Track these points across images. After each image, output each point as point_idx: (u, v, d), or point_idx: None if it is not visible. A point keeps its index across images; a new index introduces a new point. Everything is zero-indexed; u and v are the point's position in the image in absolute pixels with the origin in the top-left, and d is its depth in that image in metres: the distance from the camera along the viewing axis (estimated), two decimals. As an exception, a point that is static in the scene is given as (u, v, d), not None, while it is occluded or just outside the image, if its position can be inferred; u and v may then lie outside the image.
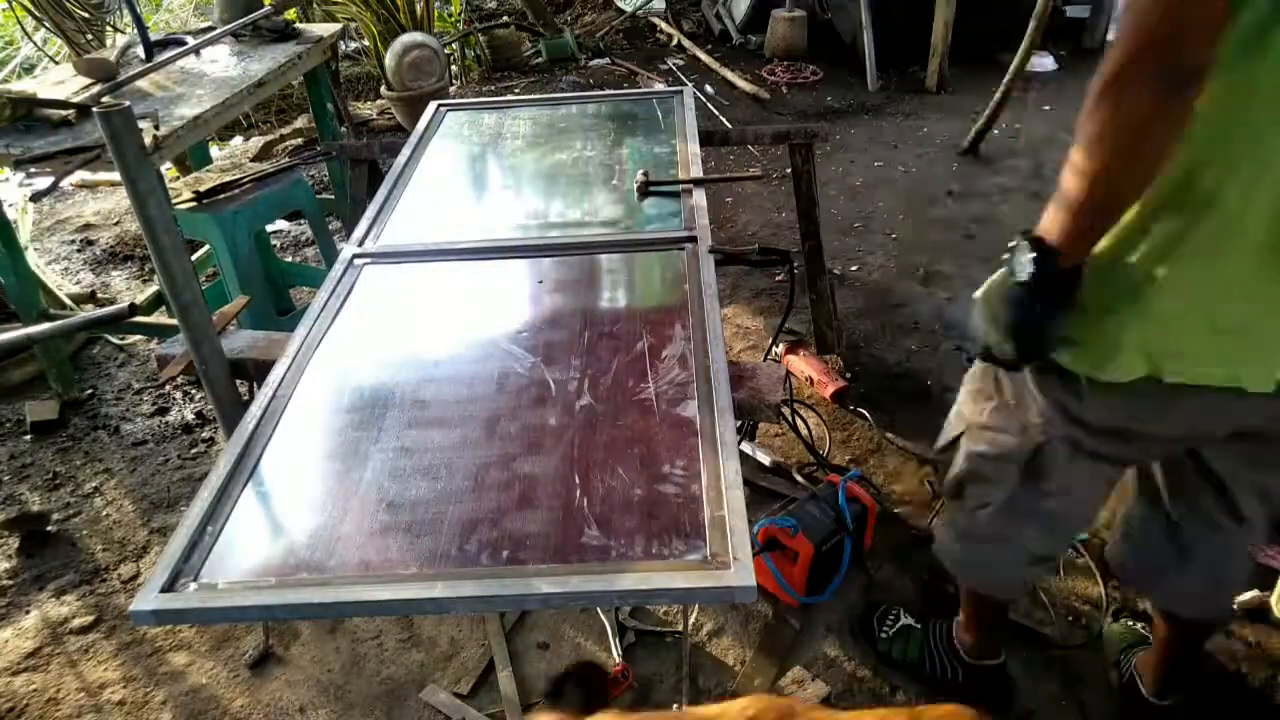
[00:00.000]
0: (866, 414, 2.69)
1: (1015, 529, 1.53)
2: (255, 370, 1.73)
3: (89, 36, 4.29)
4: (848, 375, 2.85)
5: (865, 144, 4.79)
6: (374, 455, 1.36)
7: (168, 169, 4.23)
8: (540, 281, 1.85)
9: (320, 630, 2.13)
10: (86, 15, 4.29)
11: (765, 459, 2.54)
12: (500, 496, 1.26)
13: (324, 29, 3.78)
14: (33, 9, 4.17)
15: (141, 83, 3.10)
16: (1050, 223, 1.13)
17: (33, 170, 2.72)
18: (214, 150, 4.91)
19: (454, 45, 6.07)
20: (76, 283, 3.87)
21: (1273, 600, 1.99)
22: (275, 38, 3.56)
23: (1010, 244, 1.21)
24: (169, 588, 1.13)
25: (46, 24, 4.27)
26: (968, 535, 1.62)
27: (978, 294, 1.32)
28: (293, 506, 1.30)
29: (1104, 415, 1.30)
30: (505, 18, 6.46)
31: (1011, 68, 4.27)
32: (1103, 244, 1.16)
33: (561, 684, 1.18)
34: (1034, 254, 1.14)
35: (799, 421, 2.57)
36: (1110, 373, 1.21)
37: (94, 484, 2.69)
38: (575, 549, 1.16)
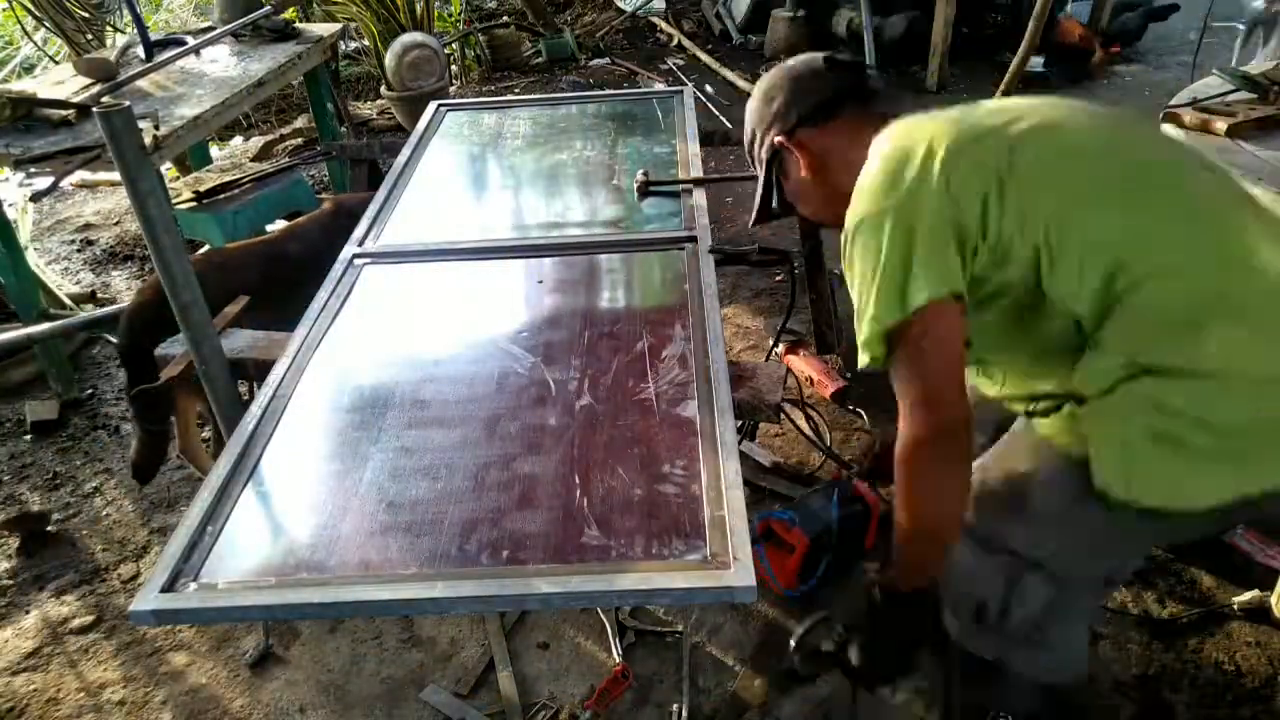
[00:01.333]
0: (862, 412, 2.69)
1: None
2: (255, 370, 1.73)
3: (89, 36, 4.30)
4: (847, 375, 2.85)
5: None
6: (374, 455, 1.36)
7: (168, 169, 4.23)
8: (540, 281, 1.85)
9: (320, 630, 2.13)
10: (86, 15, 4.29)
11: (765, 459, 2.54)
12: (500, 496, 1.26)
13: (324, 29, 3.78)
14: (33, 9, 4.17)
15: (141, 83, 3.10)
16: (899, 575, 1.29)
17: (33, 170, 2.72)
18: (214, 150, 4.90)
19: (454, 45, 6.07)
20: (76, 283, 3.87)
21: (1273, 600, 1.99)
22: (275, 38, 3.56)
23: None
24: (169, 588, 1.13)
25: (46, 24, 4.27)
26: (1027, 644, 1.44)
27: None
28: (293, 506, 1.30)
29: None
30: (505, 18, 6.46)
31: (1011, 67, 4.27)
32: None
33: None
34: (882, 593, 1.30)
35: (803, 421, 2.57)
36: (1192, 501, 1.14)
37: (94, 484, 2.69)
38: (575, 549, 1.16)
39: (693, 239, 1.90)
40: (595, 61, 6.09)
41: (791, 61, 1.47)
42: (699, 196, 2.08)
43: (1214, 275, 1.14)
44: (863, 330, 1.20)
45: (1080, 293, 1.15)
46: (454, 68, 6.03)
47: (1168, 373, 1.12)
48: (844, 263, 1.25)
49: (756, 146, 1.48)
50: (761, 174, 1.49)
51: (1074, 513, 1.25)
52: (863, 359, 1.22)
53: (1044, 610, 1.38)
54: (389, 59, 5.04)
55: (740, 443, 2.33)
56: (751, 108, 1.49)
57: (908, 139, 1.24)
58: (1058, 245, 1.14)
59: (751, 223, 1.59)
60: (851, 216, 1.23)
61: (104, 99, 2.82)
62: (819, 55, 1.46)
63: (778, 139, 1.42)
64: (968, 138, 1.21)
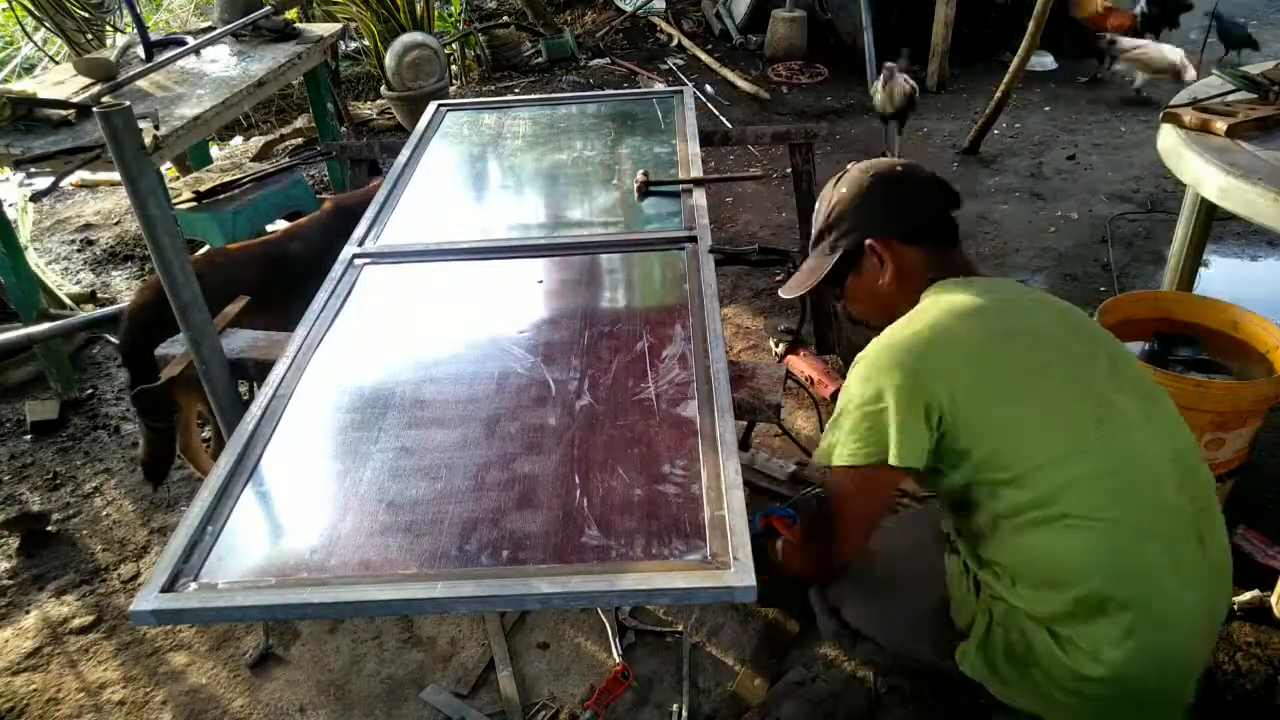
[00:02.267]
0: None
1: None
2: (255, 370, 1.73)
3: (89, 36, 4.29)
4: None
5: (865, 144, 4.79)
6: (374, 455, 1.36)
7: (168, 169, 4.23)
8: (540, 281, 1.85)
9: (320, 630, 2.13)
10: (86, 15, 4.28)
11: (780, 472, 2.47)
12: (500, 496, 1.26)
13: (324, 29, 3.78)
14: (33, 9, 4.16)
15: (141, 83, 3.10)
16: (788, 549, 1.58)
17: (33, 170, 2.72)
18: (214, 150, 4.90)
19: (454, 45, 6.07)
20: (76, 283, 3.87)
21: (1273, 600, 1.99)
22: (275, 38, 3.56)
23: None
24: (169, 588, 1.13)
25: (46, 24, 4.26)
26: None
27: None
28: (293, 506, 1.30)
29: None
30: (505, 18, 6.46)
31: (1011, 67, 4.27)
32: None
33: None
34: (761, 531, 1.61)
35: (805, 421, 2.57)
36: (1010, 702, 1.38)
37: (94, 484, 2.69)
38: (575, 549, 1.16)
39: (693, 239, 1.90)
40: (595, 61, 6.09)
41: (895, 167, 1.49)
42: (699, 196, 2.08)
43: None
44: (827, 439, 1.37)
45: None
46: (454, 68, 6.03)
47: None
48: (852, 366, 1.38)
49: (831, 234, 1.49)
50: (832, 260, 1.49)
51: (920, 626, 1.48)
52: (819, 457, 1.40)
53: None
54: (389, 59, 5.04)
55: (744, 449, 2.33)
56: (842, 195, 1.48)
57: (949, 317, 1.35)
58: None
59: (784, 293, 1.60)
60: (877, 345, 1.35)
61: (104, 99, 2.82)
62: (928, 173, 1.49)
63: (869, 240, 1.44)
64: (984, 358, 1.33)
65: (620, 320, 1.68)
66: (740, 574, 1.08)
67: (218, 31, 3.51)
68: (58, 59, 4.86)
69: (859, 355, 1.37)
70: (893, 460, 1.28)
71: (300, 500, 1.30)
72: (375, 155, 3.07)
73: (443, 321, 1.76)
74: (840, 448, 1.32)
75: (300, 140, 4.99)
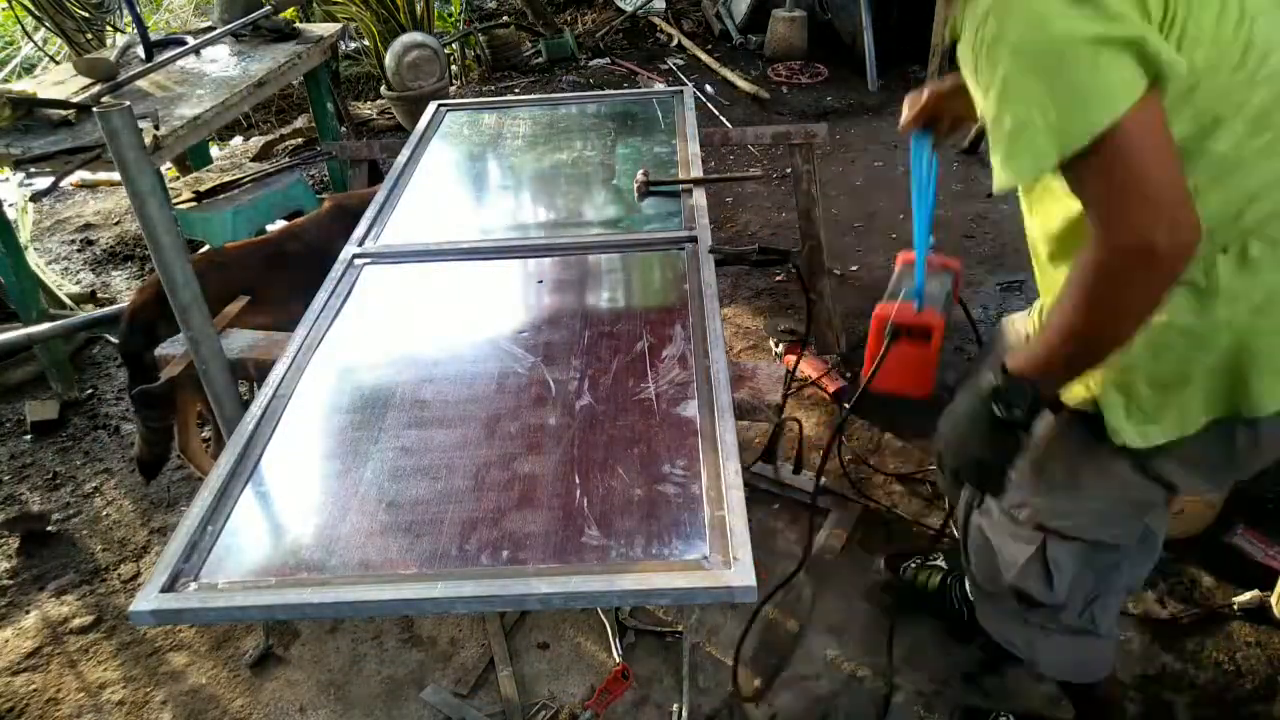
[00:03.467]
0: (844, 405, 2.72)
1: (1118, 598, 1.51)
2: (255, 370, 1.73)
3: (89, 36, 4.29)
4: (847, 375, 2.85)
5: (865, 144, 4.79)
6: (374, 455, 1.36)
7: (168, 169, 4.23)
8: (540, 281, 1.85)
9: (320, 630, 2.13)
10: (86, 15, 4.28)
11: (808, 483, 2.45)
12: (500, 496, 1.26)
13: (324, 29, 3.78)
14: (33, 9, 4.16)
15: (141, 83, 3.10)
16: (1034, 364, 1.13)
17: (33, 170, 2.73)
18: (214, 150, 4.90)
19: (454, 45, 6.07)
20: (76, 283, 3.87)
21: (1273, 600, 1.99)
22: (275, 38, 3.57)
23: (988, 379, 1.17)
24: (169, 588, 1.13)
25: (46, 24, 4.26)
26: (1079, 631, 1.49)
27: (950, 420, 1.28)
28: (293, 506, 1.30)
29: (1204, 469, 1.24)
30: (505, 18, 6.46)
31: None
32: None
33: None
34: (1028, 393, 1.14)
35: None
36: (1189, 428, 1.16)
37: (94, 484, 2.69)
38: (575, 549, 1.16)
39: (693, 239, 1.90)
40: (595, 61, 6.09)
41: None
42: (699, 196, 2.08)
43: None
44: (1038, 133, 0.96)
45: None
46: (454, 68, 6.03)
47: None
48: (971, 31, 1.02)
49: None
50: None
51: (1082, 469, 1.28)
52: (1024, 168, 1.00)
53: (1087, 588, 1.43)
54: (389, 59, 5.04)
55: (769, 461, 2.31)
56: None
57: None
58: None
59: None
60: None
61: (104, 99, 2.82)
62: None
63: None
64: None
65: (620, 320, 1.68)
66: (740, 574, 1.08)
67: (218, 31, 3.51)
68: (58, 59, 4.85)
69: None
70: (1164, 60, 0.92)
71: (300, 500, 1.30)
72: (375, 155, 3.07)
73: (443, 322, 1.76)
74: (1094, 100, 0.93)
75: (300, 140, 4.99)
